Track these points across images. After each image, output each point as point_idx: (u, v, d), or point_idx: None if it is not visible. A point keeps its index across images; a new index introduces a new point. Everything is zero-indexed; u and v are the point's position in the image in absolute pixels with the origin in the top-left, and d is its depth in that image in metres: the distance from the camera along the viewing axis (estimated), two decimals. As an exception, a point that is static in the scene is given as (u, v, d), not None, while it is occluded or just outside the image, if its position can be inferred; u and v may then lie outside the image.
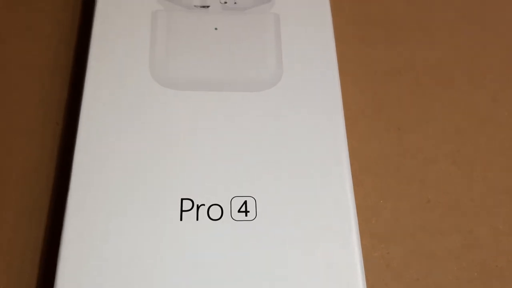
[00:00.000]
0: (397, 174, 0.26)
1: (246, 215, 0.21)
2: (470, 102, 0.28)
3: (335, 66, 0.25)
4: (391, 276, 0.24)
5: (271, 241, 0.21)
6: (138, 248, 0.20)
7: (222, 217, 0.21)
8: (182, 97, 0.24)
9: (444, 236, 0.25)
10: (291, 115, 0.23)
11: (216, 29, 0.25)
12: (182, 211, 0.21)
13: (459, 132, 0.27)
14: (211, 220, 0.21)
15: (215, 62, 0.24)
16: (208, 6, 0.26)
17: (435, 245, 0.25)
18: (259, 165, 0.22)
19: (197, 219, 0.21)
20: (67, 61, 0.28)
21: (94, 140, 0.22)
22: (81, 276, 0.20)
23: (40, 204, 0.24)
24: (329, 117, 0.24)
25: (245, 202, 0.21)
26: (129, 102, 0.23)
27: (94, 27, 0.25)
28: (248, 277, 0.20)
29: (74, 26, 0.29)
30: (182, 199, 0.21)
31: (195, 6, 0.26)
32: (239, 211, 0.21)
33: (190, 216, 0.21)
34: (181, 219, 0.21)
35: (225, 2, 0.26)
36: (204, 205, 0.21)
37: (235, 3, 0.26)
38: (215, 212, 0.21)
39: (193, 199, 0.21)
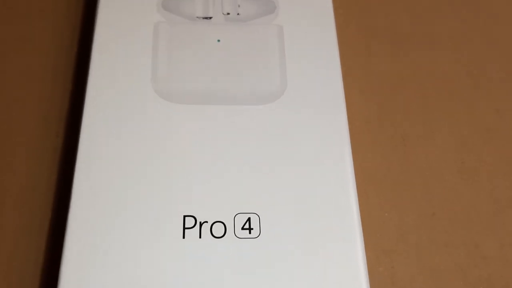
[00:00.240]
0: (402, 186, 0.26)
1: (249, 233, 0.21)
2: (475, 113, 0.28)
3: (339, 78, 0.24)
4: (396, 292, 0.23)
5: (276, 259, 0.20)
6: (140, 268, 0.20)
7: (226, 234, 0.21)
8: (185, 111, 0.23)
9: (450, 250, 0.24)
10: (295, 129, 0.23)
11: (219, 41, 0.25)
12: (184, 228, 0.20)
13: (464, 143, 0.27)
14: (214, 238, 0.20)
15: (218, 75, 0.24)
16: (210, 17, 0.25)
17: (440, 259, 0.24)
18: (263, 181, 0.22)
19: (200, 237, 0.20)
20: (67, 73, 0.27)
21: (94, 155, 0.22)
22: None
23: (40, 221, 0.24)
24: (334, 130, 0.23)
25: (249, 219, 0.21)
26: (131, 116, 0.23)
27: (94, 39, 0.24)
28: (252, 296, 0.19)
29: (74, 38, 0.28)
30: (184, 216, 0.21)
31: (197, 17, 0.25)
32: (242, 228, 0.21)
33: (192, 233, 0.20)
34: (183, 237, 0.20)
35: (228, 13, 0.26)
36: (207, 222, 0.21)
37: (238, 14, 0.26)
38: (218, 229, 0.21)
39: (195, 216, 0.21)
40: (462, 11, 0.31)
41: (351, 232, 0.21)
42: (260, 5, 0.26)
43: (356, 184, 0.23)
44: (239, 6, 0.26)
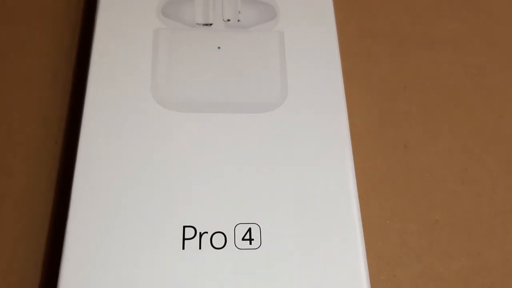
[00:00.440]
0: (404, 194, 0.25)
1: (250, 243, 0.20)
2: (478, 119, 0.27)
3: (340, 86, 0.24)
4: (398, 302, 0.23)
5: (277, 271, 0.20)
6: (139, 280, 0.19)
7: (226, 245, 0.20)
8: (185, 119, 0.23)
9: (452, 259, 0.24)
10: (295, 137, 0.22)
11: (219, 48, 0.24)
12: (184, 239, 0.20)
13: (466, 150, 0.26)
14: (214, 249, 0.20)
15: (218, 82, 0.23)
16: (211, 24, 0.25)
17: (442, 268, 0.24)
18: (264, 190, 0.21)
19: (200, 248, 0.20)
20: (66, 79, 0.27)
21: (93, 163, 0.21)
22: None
23: (39, 225, 0.23)
24: (335, 139, 0.23)
25: (249, 230, 0.20)
26: (130, 124, 0.22)
27: (94, 45, 0.24)
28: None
29: (74, 40, 0.28)
30: (184, 227, 0.20)
31: (197, 24, 0.25)
32: (243, 239, 0.20)
33: (192, 244, 0.20)
34: (183, 248, 0.20)
35: (228, 20, 0.25)
36: (207, 232, 0.20)
37: (238, 20, 0.25)
38: (218, 240, 0.20)
39: (195, 227, 0.20)
40: (463, 12, 0.31)
41: (354, 243, 0.21)
42: (261, 12, 0.25)
43: (357, 191, 0.22)
44: (239, 12, 0.25)
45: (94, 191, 0.21)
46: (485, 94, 0.28)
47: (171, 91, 0.23)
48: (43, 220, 0.23)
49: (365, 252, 0.21)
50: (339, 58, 0.25)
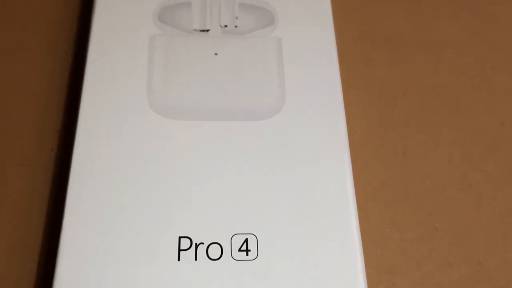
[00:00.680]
0: (403, 201, 0.25)
1: (247, 254, 0.20)
2: (478, 125, 0.27)
3: (339, 92, 0.24)
4: (398, 313, 0.22)
5: (274, 283, 0.19)
6: (134, 292, 0.19)
7: (222, 256, 0.20)
8: (181, 127, 0.22)
9: (452, 267, 0.23)
10: (293, 145, 0.22)
11: (216, 54, 0.24)
12: (180, 250, 0.20)
13: (466, 156, 0.26)
14: (210, 260, 0.20)
15: (215, 90, 0.23)
16: (208, 30, 0.24)
17: (442, 277, 0.23)
18: (261, 200, 0.21)
19: (196, 259, 0.19)
20: (62, 85, 0.26)
21: (88, 172, 0.21)
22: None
23: (34, 235, 0.23)
24: (333, 147, 0.22)
25: (246, 240, 0.20)
26: (125, 133, 0.22)
27: (89, 51, 0.24)
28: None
29: (69, 49, 0.27)
30: (180, 237, 0.20)
31: (194, 30, 0.24)
32: (239, 250, 0.20)
33: (188, 255, 0.20)
34: (178, 259, 0.19)
35: (226, 26, 0.25)
36: (203, 243, 0.20)
37: (236, 26, 0.25)
38: (214, 251, 0.20)
39: (191, 237, 0.20)
40: (463, 16, 0.30)
41: (352, 252, 0.20)
42: (259, 17, 0.25)
43: (356, 199, 0.22)
44: (237, 18, 0.25)
45: (88, 199, 0.20)
46: (486, 99, 0.28)
47: (167, 99, 0.23)
48: (38, 227, 0.23)
49: (363, 261, 0.20)
50: (338, 64, 0.24)
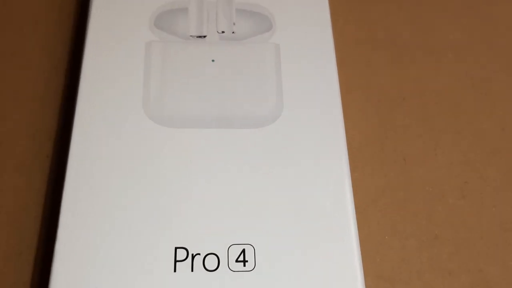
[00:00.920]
0: (403, 208, 0.24)
1: (244, 265, 0.19)
2: (479, 130, 0.26)
3: (338, 98, 0.23)
4: (397, 322, 0.22)
5: (271, 295, 0.19)
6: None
7: (219, 267, 0.19)
8: (177, 135, 0.22)
9: (453, 276, 0.23)
10: (291, 153, 0.21)
11: (213, 61, 0.23)
12: (176, 261, 0.19)
13: (467, 163, 0.26)
14: (207, 271, 0.19)
15: (212, 97, 0.22)
16: (205, 36, 0.24)
17: (443, 286, 0.23)
18: (258, 209, 0.20)
19: (192, 270, 0.19)
20: (57, 91, 0.26)
21: (83, 180, 0.21)
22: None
23: (29, 243, 0.22)
24: (332, 154, 0.22)
25: (243, 251, 0.19)
26: (121, 141, 0.21)
27: (84, 58, 0.23)
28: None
29: (65, 55, 0.27)
30: (176, 248, 0.19)
31: (191, 36, 0.24)
32: (236, 260, 0.19)
33: (184, 266, 0.19)
34: (175, 270, 0.19)
35: (223, 32, 0.24)
36: (199, 254, 0.19)
37: (233, 32, 0.24)
38: (211, 262, 0.19)
39: (187, 248, 0.19)
40: (464, 20, 0.30)
41: (351, 261, 0.20)
42: (256, 23, 0.24)
43: (355, 206, 0.22)
44: (234, 24, 0.24)
45: (83, 207, 0.20)
46: (487, 105, 0.27)
47: (163, 106, 0.22)
48: (33, 235, 0.22)
49: (363, 270, 0.20)
50: (336, 71, 0.24)
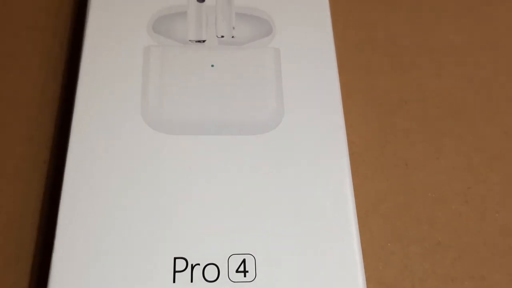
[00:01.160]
0: (405, 214, 0.24)
1: (244, 276, 0.19)
2: (482, 135, 0.26)
3: (339, 103, 0.23)
4: (400, 331, 0.21)
5: (272, 307, 0.18)
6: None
7: (219, 278, 0.19)
8: (176, 142, 0.21)
9: (456, 283, 0.23)
10: (292, 161, 0.21)
11: (212, 66, 0.23)
12: (175, 272, 0.19)
13: (470, 168, 0.25)
14: (206, 282, 0.19)
15: (211, 103, 0.22)
16: (204, 41, 0.23)
17: (446, 293, 0.22)
18: (259, 218, 0.20)
19: (192, 281, 0.18)
20: (55, 96, 0.25)
21: (80, 188, 0.20)
22: None
23: (27, 250, 0.22)
24: (333, 161, 0.21)
25: (244, 261, 0.19)
26: (119, 148, 0.21)
27: (82, 62, 0.23)
28: None
29: (62, 59, 0.26)
30: (175, 258, 0.19)
31: (190, 40, 0.23)
32: (237, 271, 0.19)
33: (183, 277, 0.19)
34: (174, 281, 0.18)
35: (222, 36, 0.23)
36: (199, 264, 0.19)
37: (232, 37, 0.23)
38: (211, 272, 0.19)
39: (187, 258, 0.19)
40: (466, 23, 0.29)
41: (353, 268, 0.19)
42: (256, 27, 0.24)
43: (357, 213, 0.21)
44: (233, 28, 0.24)
45: (81, 214, 0.20)
46: (489, 108, 0.27)
47: (162, 112, 0.22)
48: (31, 241, 0.22)
49: (365, 278, 0.19)
50: (338, 75, 0.23)
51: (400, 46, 0.28)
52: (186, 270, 0.19)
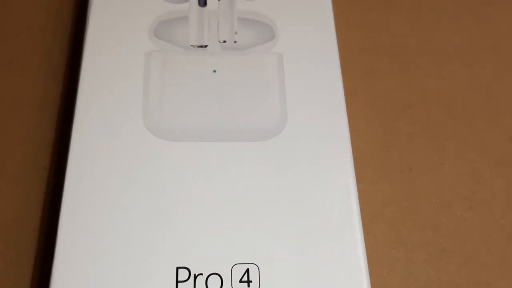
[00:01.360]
0: (409, 220, 0.23)
1: (248, 286, 0.18)
2: (486, 139, 0.25)
3: (343, 109, 0.22)
4: None
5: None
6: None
7: (222, 288, 0.18)
8: (178, 149, 0.21)
9: (461, 289, 0.22)
10: (296, 168, 0.20)
11: (215, 71, 0.22)
12: (177, 282, 0.18)
13: (475, 173, 0.25)
14: (210, 293, 0.18)
15: (214, 109, 0.21)
16: (206, 46, 0.23)
17: (451, 300, 0.22)
18: (262, 227, 0.19)
19: (195, 292, 0.18)
20: (55, 101, 0.25)
21: (81, 194, 0.20)
22: None
23: (26, 257, 0.21)
24: (337, 167, 0.21)
25: (247, 270, 0.18)
26: (120, 155, 0.20)
27: (82, 68, 0.22)
28: None
29: (63, 63, 0.26)
30: (177, 268, 0.18)
31: (192, 45, 0.23)
32: (240, 281, 0.18)
33: (186, 287, 0.18)
34: (176, 292, 0.18)
35: (225, 41, 0.23)
36: (202, 274, 0.18)
37: (235, 42, 0.23)
38: (214, 282, 0.18)
39: (189, 268, 0.18)
40: (469, 26, 0.29)
41: (358, 275, 0.19)
42: (259, 32, 0.23)
43: (362, 219, 0.21)
44: (236, 33, 0.23)
45: (81, 222, 0.19)
46: (494, 113, 0.26)
47: (163, 119, 0.21)
48: (31, 247, 0.22)
49: (370, 285, 0.19)
50: (341, 80, 0.23)
51: (403, 48, 0.28)
52: (188, 280, 0.18)
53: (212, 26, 0.23)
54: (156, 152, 0.20)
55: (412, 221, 0.23)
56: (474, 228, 0.23)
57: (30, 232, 0.22)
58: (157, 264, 0.18)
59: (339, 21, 0.27)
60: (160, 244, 0.19)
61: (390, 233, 0.23)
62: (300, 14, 0.24)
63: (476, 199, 0.24)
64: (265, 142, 0.21)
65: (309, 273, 0.19)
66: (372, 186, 0.24)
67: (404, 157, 0.25)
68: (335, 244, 0.19)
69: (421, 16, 0.29)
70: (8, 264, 0.21)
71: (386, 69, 0.27)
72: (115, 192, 0.20)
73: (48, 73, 0.26)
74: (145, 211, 0.19)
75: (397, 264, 0.22)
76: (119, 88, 0.22)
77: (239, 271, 0.19)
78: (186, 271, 0.18)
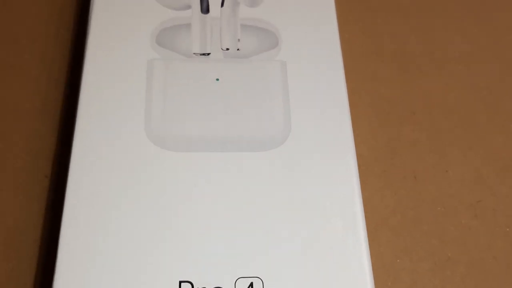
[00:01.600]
0: (414, 229, 0.23)
1: (252, 300, 0.18)
2: (492, 146, 0.25)
3: (347, 118, 0.22)
4: None
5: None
6: None
7: (226, 303, 0.18)
8: (181, 159, 0.20)
9: (466, 299, 0.22)
10: (300, 179, 0.20)
11: (217, 79, 0.22)
12: (180, 296, 0.18)
13: (480, 180, 0.24)
14: (213, 307, 0.18)
15: (216, 119, 0.21)
16: (208, 54, 0.22)
17: (456, 309, 0.21)
18: (267, 239, 0.19)
19: (198, 306, 0.18)
20: (56, 109, 0.24)
21: (82, 204, 0.19)
22: None
23: (27, 266, 0.21)
24: (342, 177, 0.20)
25: (251, 284, 0.18)
26: (121, 165, 0.20)
27: (84, 75, 0.22)
28: None
29: (64, 70, 0.25)
30: (180, 282, 0.18)
31: (194, 53, 0.22)
32: (244, 295, 0.18)
33: (189, 302, 0.18)
34: (179, 307, 0.18)
35: (227, 49, 0.22)
36: (205, 288, 0.18)
37: (238, 49, 0.22)
38: (217, 297, 0.18)
39: (192, 282, 0.18)
40: (474, 31, 0.28)
41: (363, 286, 0.18)
42: (262, 40, 0.23)
43: (366, 227, 0.20)
44: (239, 40, 0.23)
45: (83, 232, 0.19)
46: (499, 119, 0.26)
47: (166, 129, 0.21)
48: (32, 256, 0.21)
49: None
50: (346, 88, 0.22)
51: (407, 54, 0.27)
52: (192, 295, 0.18)
53: (215, 33, 0.23)
54: (158, 163, 0.20)
55: (417, 230, 0.23)
56: (479, 236, 0.23)
57: (31, 240, 0.22)
58: (160, 278, 0.18)
59: (342, 27, 0.27)
60: (163, 257, 0.18)
61: (395, 241, 0.23)
62: (304, 21, 0.23)
63: (481, 207, 0.24)
64: (269, 152, 0.20)
65: (315, 285, 0.18)
66: (376, 194, 0.24)
67: (409, 164, 0.24)
68: (340, 255, 0.19)
69: (426, 22, 0.29)
70: (10, 272, 0.21)
71: (390, 75, 0.27)
72: (117, 202, 0.19)
73: (50, 80, 0.25)
74: (147, 223, 0.19)
75: (402, 273, 0.22)
76: (121, 97, 0.21)
77: (243, 285, 0.18)
78: (189, 285, 0.18)
